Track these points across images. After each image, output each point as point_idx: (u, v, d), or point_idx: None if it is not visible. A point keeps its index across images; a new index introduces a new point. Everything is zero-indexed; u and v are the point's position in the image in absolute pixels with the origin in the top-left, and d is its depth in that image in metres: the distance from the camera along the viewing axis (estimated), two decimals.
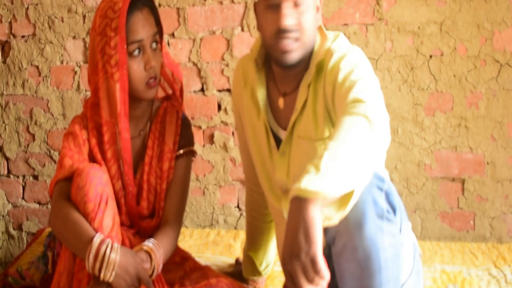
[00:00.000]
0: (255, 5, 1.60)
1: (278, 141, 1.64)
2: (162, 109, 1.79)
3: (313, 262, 1.16)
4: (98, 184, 1.53)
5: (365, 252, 1.33)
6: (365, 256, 1.33)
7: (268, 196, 1.72)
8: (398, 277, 1.40)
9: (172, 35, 2.51)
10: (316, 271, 1.16)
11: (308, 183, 1.18)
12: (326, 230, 1.36)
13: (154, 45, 1.65)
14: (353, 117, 1.28)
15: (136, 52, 1.62)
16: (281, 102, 1.63)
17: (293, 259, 1.18)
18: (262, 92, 1.64)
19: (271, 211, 1.78)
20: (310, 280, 1.17)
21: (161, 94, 1.83)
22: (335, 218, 1.23)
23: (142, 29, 1.62)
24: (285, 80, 1.61)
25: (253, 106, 1.68)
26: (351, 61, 1.47)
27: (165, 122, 1.77)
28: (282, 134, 1.63)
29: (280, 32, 1.49)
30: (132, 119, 1.72)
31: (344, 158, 1.20)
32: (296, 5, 1.49)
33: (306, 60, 1.56)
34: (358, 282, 1.36)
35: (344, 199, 1.22)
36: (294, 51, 1.51)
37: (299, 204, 1.19)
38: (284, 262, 1.21)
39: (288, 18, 1.48)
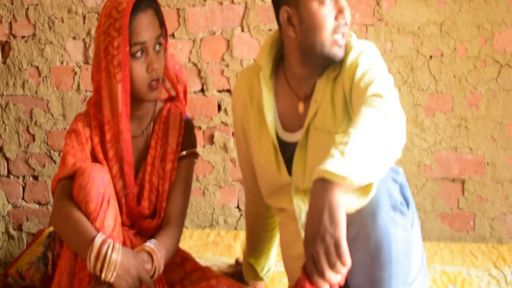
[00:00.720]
0: (296, 4, 1.51)
1: (286, 153, 1.61)
2: (165, 110, 1.78)
3: (337, 245, 1.15)
4: (100, 184, 1.53)
5: (377, 242, 1.32)
6: (377, 246, 1.32)
7: (273, 202, 1.68)
8: (408, 273, 1.39)
9: (172, 35, 2.51)
10: (339, 254, 1.14)
11: (335, 167, 1.16)
12: None
13: (157, 47, 1.65)
14: (373, 109, 1.28)
15: (138, 54, 1.62)
16: (301, 106, 1.60)
17: (317, 240, 1.16)
18: (272, 104, 1.62)
19: (276, 213, 1.74)
20: (332, 265, 1.15)
21: (165, 95, 1.83)
22: (352, 206, 1.23)
23: (145, 31, 1.61)
24: (308, 82, 1.58)
25: (260, 121, 1.64)
26: (370, 58, 1.48)
27: (169, 123, 1.76)
28: (295, 138, 1.60)
29: (341, 26, 1.49)
30: (135, 119, 1.72)
31: (367, 147, 1.20)
32: None
33: None
34: (368, 274, 1.35)
35: (365, 189, 1.22)
36: (344, 45, 1.52)
37: (324, 186, 1.17)
38: (308, 244, 1.18)
39: (348, 11, 1.50)
